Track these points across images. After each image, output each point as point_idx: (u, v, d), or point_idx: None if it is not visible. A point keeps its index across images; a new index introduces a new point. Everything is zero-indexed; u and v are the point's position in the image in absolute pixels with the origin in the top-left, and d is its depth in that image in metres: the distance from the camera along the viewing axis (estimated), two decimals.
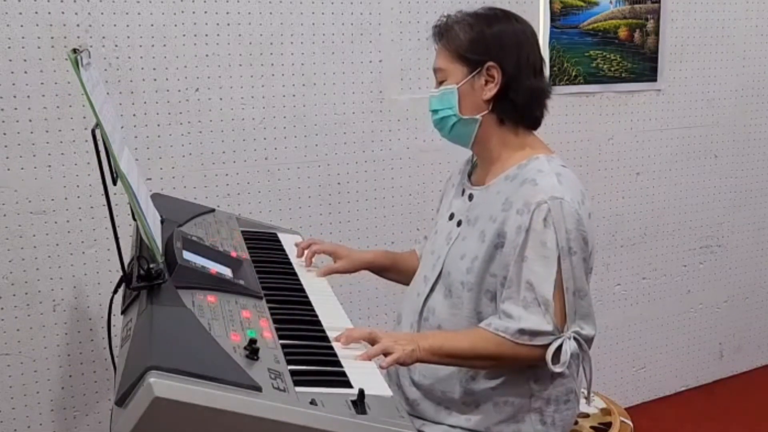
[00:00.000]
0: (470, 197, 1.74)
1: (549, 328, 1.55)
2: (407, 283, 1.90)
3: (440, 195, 1.92)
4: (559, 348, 1.56)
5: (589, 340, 1.62)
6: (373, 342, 1.48)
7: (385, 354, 1.47)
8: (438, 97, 1.70)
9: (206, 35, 2.22)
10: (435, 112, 1.72)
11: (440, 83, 1.71)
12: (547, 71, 1.78)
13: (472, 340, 1.58)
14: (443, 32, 1.71)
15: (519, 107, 1.68)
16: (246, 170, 2.33)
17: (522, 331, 1.55)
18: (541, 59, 1.72)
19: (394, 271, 2.01)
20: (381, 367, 1.41)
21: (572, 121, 2.87)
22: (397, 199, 2.58)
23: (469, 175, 1.81)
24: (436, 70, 1.72)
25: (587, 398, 1.76)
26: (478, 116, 1.68)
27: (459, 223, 1.74)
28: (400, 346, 1.49)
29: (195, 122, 2.24)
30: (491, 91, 1.66)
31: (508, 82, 1.65)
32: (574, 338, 1.58)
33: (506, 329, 1.56)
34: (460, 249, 1.69)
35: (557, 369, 1.57)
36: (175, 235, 1.54)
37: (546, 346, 1.56)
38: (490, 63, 1.64)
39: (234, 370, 1.15)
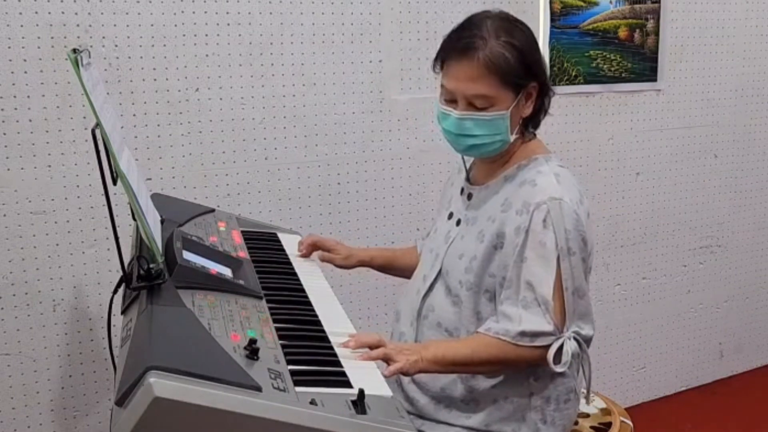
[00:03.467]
0: (469, 196, 1.74)
1: (549, 328, 1.55)
2: (407, 278, 1.90)
3: (440, 194, 1.92)
4: (560, 348, 1.56)
5: (588, 340, 1.62)
6: (379, 348, 1.47)
7: (387, 362, 1.47)
8: (485, 123, 1.60)
9: (206, 35, 2.22)
10: (473, 136, 1.62)
11: (479, 108, 1.59)
12: (547, 70, 1.77)
13: (473, 347, 1.58)
14: (479, 52, 1.56)
15: (540, 116, 1.70)
16: (246, 170, 2.33)
17: (523, 333, 1.55)
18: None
19: (393, 268, 2.02)
20: (384, 376, 1.41)
21: (572, 121, 2.87)
22: (397, 199, 2.58)
23: (468, 174, 1.81)
24: (476, 97, 1.58)
25: (587, 398, 1.76)
26: (516, 135, 1.66)
27: (458, 222, 1.74)
28: (404, 356, 1.49)
29: (195, 122, 2.24)
30: (529, 108, 1.65)
31: (542, 96, 1.67)
32: (574, 338, 1.58)
33: (506, 332, 1.55)
34: (458, 248, 1.69)
35: (559, 369, 1.57)
36: (175, 235, 1.54)
37: (547, 347, 1.56)
38: (533, 84, 1.63)
39: (234, 370, 1.15)
